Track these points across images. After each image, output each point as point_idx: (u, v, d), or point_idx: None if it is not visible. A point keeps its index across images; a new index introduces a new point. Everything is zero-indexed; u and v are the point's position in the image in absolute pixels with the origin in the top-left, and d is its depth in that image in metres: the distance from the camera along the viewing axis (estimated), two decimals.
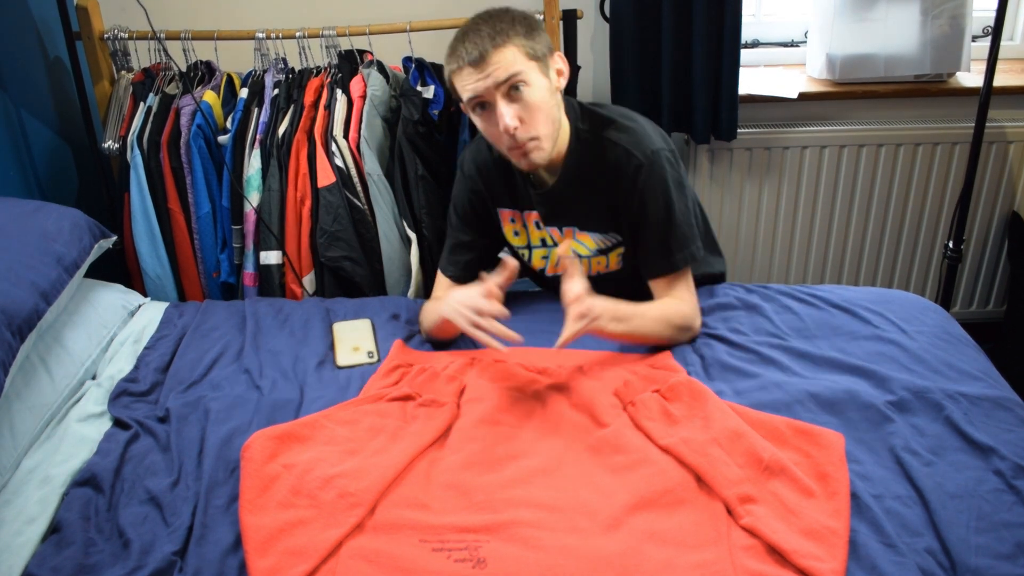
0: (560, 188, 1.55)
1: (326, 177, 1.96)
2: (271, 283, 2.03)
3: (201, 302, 1.79)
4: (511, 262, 1.44)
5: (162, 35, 2.05)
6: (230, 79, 2.12)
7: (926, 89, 2.26)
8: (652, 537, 1.10)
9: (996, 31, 1.94)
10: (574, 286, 1.38)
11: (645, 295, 1.62)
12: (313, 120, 2.00)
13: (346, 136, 1.97)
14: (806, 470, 1.20)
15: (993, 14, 1.94)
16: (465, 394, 1.41)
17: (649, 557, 1.07)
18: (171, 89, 2.08)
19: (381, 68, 2.03)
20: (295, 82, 2.05)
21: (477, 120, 1.46)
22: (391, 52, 2.08)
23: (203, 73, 2.12)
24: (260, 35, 2.05)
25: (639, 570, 1.06)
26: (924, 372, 1.41)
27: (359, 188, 1.99)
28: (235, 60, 2.16)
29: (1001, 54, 2.06)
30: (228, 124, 2.04)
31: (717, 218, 2.41)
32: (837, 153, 2.33)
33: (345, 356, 1.56)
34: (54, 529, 1.19)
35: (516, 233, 1.65)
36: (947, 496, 1.16)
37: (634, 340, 1.51)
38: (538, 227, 1.63)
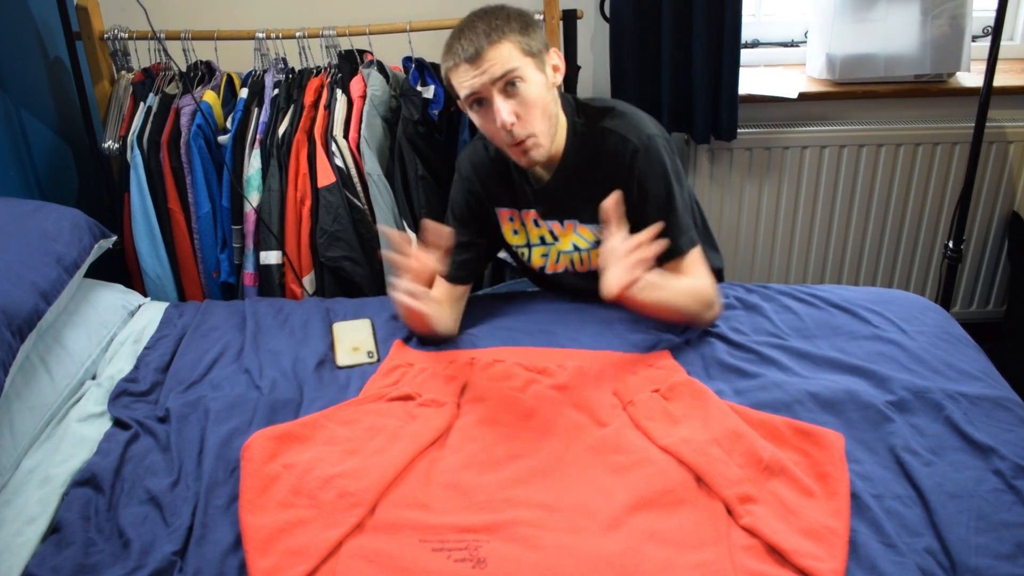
0: (558, 183, 1.55)
1: (326, 177, 1.96)
2: (271, 283, 2.03)
3: (201, 302, 1.79)
4: (440, 228, 1.42)
5: (162, 35, 2.06)
6: (230, 79, 2.12)
7: (926, 89, 2.26)
8: (652, 537, 1.11)
9: (996, 31, 1.94)
10: (623, 235, 1.34)
11: None
12: (313, 120, 2.00)
13: (346, 136, 1.97)
14: (806, 470, 1.20)
15: (993, 14, 1.94)
16: (465, 394, 1.41)
17: (649, 557, 1.07)
18: (171, 89, 2.08)
19: (381, 68, 2.03)
20: (295, 82, 2.05)
21: (475, 117, 1.46)
22: (391, 52, 2.08)
23: (203, 73, 2.12)
24: (260, 35, 2.05)
25: (639, 570, 1.06)
26: (924, 372, 1.41)
27: (359, 188, 1.99)
28: (235, 60, 2.16)
29: (1001, 54, 2.06)
30: (228, 124, 2.05)
31: (717, 218, 2.41)
32: (837, 153, 2.33)
33: (345, 356, 1.56)
34: (54, 529, 1.19)
35: (515, 232, 1.65)
36: (947, 496, 1.16)
37: (663, 311, 1.47)
38: (536, 225, 1.63)
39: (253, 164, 2.01)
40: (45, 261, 1.52)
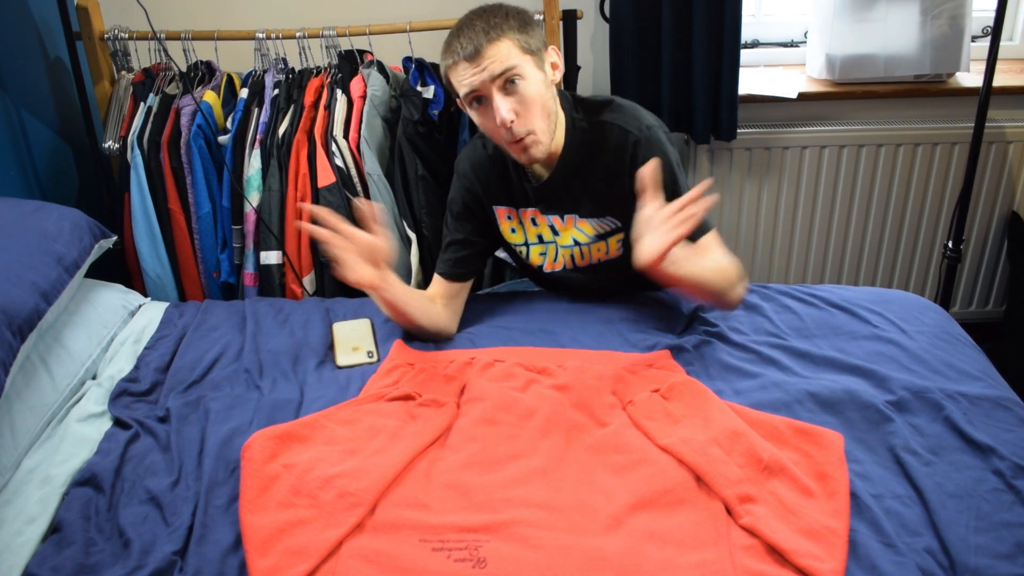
0: (558, 180, 1.55)
1: (326, 177, 1.96)
2: (271, 283, 2.03)
3: (201, 302, 1.79)
4: (371, 205, 1.44)
5: (162, 35, 2.06)
6: (230, 79, 2.12)
7: (926, 89, 2.27)
8: (652, 537, 1.11)
9: (995, 31, 1.94)
10: (659, 203, 1.32)
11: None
12: (313, 120, 2.00)
13: (346, 136, 1.97)
14: (806, 470, 1.20)
15: (992, 14, 1.95)
16: (465, 394, 1.41)
17: (649, 557, 1.07)
18: (171, 89, 2.08)
19: (381, 68, 2.03)
20: (295, 82, 2.05)
21: (474, 115, 1.47)
22: (391, 52, 2.09)
23: (203, 73, 2.13)
24: (260, 35, 2.05)
25: (639, 570, 1.06)
26: (924, 372, 1.42)
27: (359, 188, 1.99)
28: (235, 60, 2.16)
29: (1000, 54, 2.06)
30: (228, 124, 2.05)
31: (717, 218, 2.41)
32: (837, 153, 2.33)
33: (345, 356, 1.56)
34: (54, 529, 1.19)
35: (513, 230, 1.66)
36: (946, 496, 1.16)
37: (691, 287, 1.43)
38: (534, 223, 1.63)
39: (253, 164, 2.01)
40: (45, 261, 1.52)
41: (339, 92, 1.99)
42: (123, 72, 2.12)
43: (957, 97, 2.29)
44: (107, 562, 1.13)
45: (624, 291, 1.69)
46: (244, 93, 2.06)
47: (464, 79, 1.41)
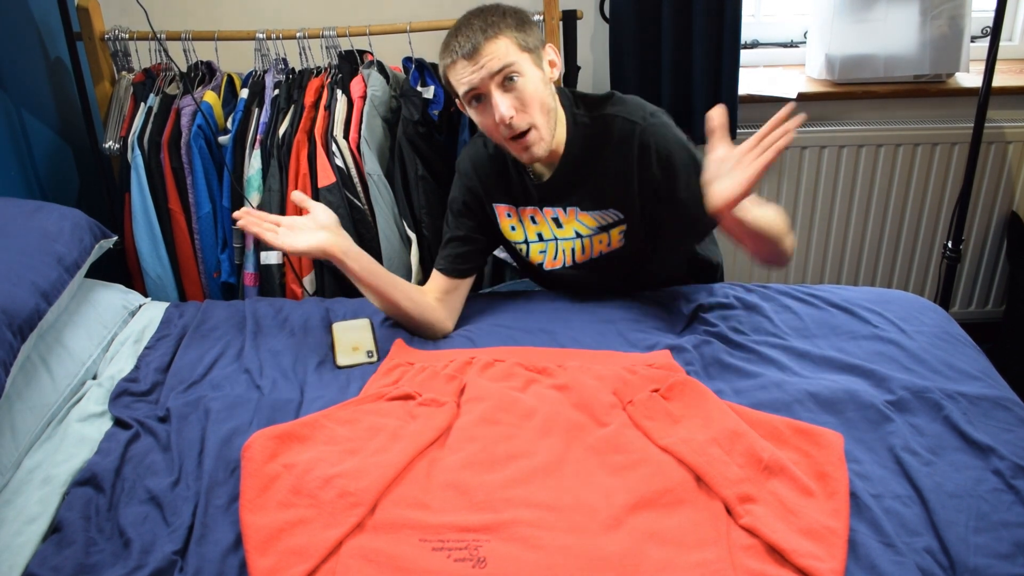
0: (561, 177, 1.56)
1: (326, 177, 1.97)
2: (271, 283, 2.04)
3: (201, 302, 1.79)
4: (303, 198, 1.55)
5: (162, 36, 2.06)
6: (230, 79, 2.12)
7: (925, 89, 2.27)
8: (652, 537, 1.11)
9: (995, 32, 1.94)
10: (728, 146, 1.31)
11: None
12: (313, 120, 2.00)
13: (346, 136, 1.97)
14: (805, 470, 1.20)
15: (992, 15, 1.95)
16: (465, 393, 1.41)
17: (649, 557, 1.07)
18: (171, 89, 2.08)
19: (381, 68, 2.03)
20: (295, 82, 2.05)
21: (473, 114, 1.47)
22: (391, 52, 2.09)
23: (203, 73, 2.13)
24: (260, 35, 2.05)
25: (639, 570, 1.06)
26: (923, 372, 1.42)
27: (359, 188, 1.99)
28: (235, 60, 2.16)
29: (1000, 54, 2.06)
30: (228, 124, 2.05)
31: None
32: (837, 153, 2.33)
33: (345, 356, 1.56)
34: (55, 529, 1.19)
35: (513, 228, 1.66)
36: (946, 496, 1.16)
37: (757, 233, 1.39)
38: (533, 221, 1.63)
39: (253, 164, 2.01)
40: (46, 261, 1.52)
41: (339, 92, 2.00)
42: (123, 72, 2.13)
43: (957, 97, 2.29)
44: (107, 562, 1.13)
45: (624, 285, 1.69)
46: (244, 93, 2.06)
47: (463, 77, 1.42)
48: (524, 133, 1.44)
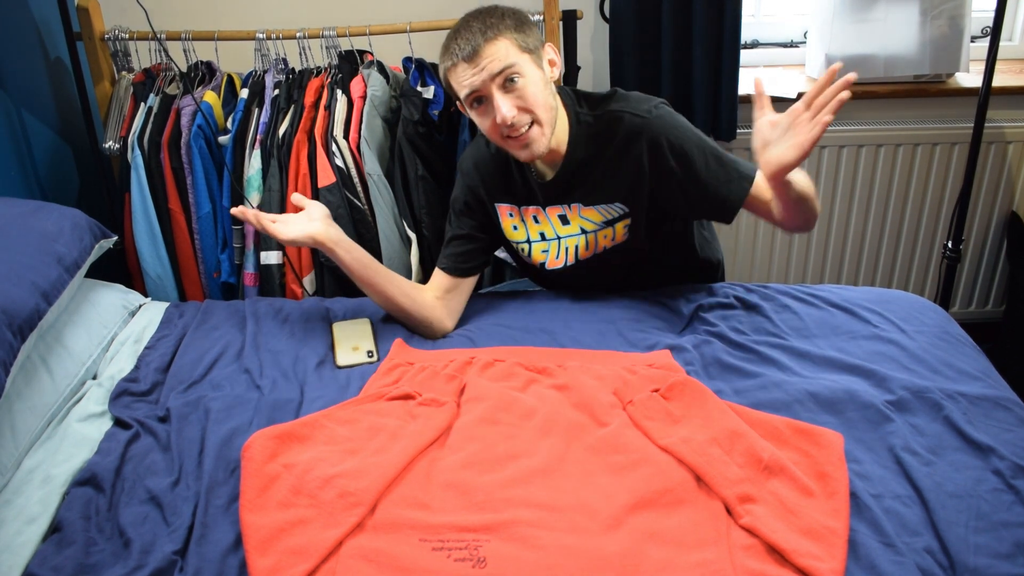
0: (565, 176, 1.56)
1: (326, 177, 1.97)
2: (271, 283, 2.04)
3: (201, 302, 1.79)
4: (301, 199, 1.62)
5: (162, 36, 2.06)
6: (230, 79, 2.12)
7: (925, 89, 2.27)
8: (652, 537, 1.11)
9: (995, 32, 1.94)
10: (770, 113, 1.32)
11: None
12: (313, 120, 2.00)
13: (346, 136, 1.97)
14: (805, 470, 1.20)
15: (992, 15, 1.95)
16: (465, 393, 1.41)
17: (649, 557, 1.07)
18: (171, 89, 2.08)
19: (381, 68, 2.03)
20: (295, 82, 2.05)
21: (475, 116, 1.47)
22: (391, 52, 2.09)
23: (203, 73, 2.13)
24: (260, 35, 2.05)
25: (639, 570, 1.06)
26: (923, 372, 1.42)
27: (359, 188, 1.99)
28: (235, 60, 2.16)
29: (1000, 54, 2.06)
30: (228, 124, 2.05)
31: None
32: (836, 153, 2.33)
33: (345, 356, 1.56)
34: (55, 529, 1.19)
35: (515, 227, 1.66)
36: (946, 496, 1.16)
37: (799, 199, 1.40)
38: (535, 221, 1.63)
39: (253, 164, 2.01)
40: (46, 261, 1.52)
41: (339, 92, 2.00)
42: (123, 72, 2.13)
43: (957, 97, 2.29)
44: (107, 562, 1.13)
45: (625, 280, 1.69)
46: (244, 93, 2.06)
47: (464, 80, 1.42)
48: (527, 128, 1.44)
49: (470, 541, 1.10)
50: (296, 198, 1.62)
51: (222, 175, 2.05)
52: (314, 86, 2.03)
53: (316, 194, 1.97)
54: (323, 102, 2.00)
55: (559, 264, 1.66)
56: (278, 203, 2.00)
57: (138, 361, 1.57)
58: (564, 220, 1.61)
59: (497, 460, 1.24)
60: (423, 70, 2.03)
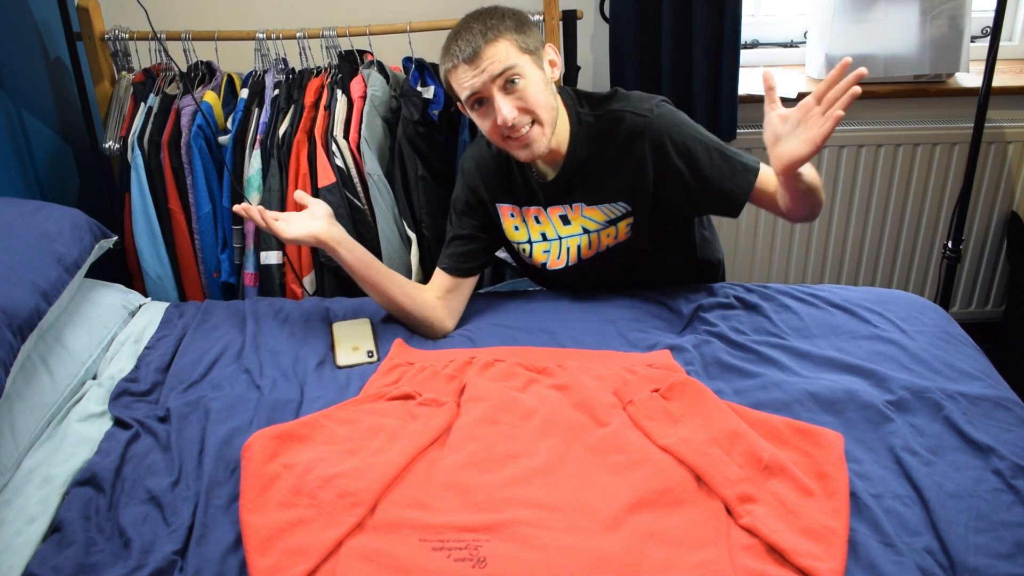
0: (567, 176, 1.56)
1: (326, 177, 1.97)
2: (271, 283, 2.04)
3: (201, 302, 1.79)
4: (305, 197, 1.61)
5: (162, 35, 2.06)
6: (230, 79, 2.12)
7: (925, 89, 2.27)
8: (652, 537, 1.11)
9: (995, 32, 1.94)
10: (780, 108, 1.33)
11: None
12: (313, 120, 2.00)
13: (346, 136, 1.97)
14: (805, 470, 1.20)
15: (992, 15, 1.95)
16: (465, 393, 1.41)
17: (649, 557, 1.07)
18: (171, 89, 2.08)
19: (381, 68, 2.03)
20: (295, 82, 2.05)
21: (476, 117, 1.48)
22: (391, 52, 2.09)
23: (203, 73, 2.13)
24: (260, 35, 2.05)
25: (639, 570, 1.06)
26: (923, 372, 1.42)
27: (359, 188, 1.99)
28: (235, 60, 2.16)
29: (1000, 54, 2.06)
30: (228, 124, 2.05)
31: (717, 218, 2.41)
32: (836, 153, 2.33)
33: (345, 356, 1.56)
34: (55, 528, 1.19)
35: (516, 228, 1.66)
36: (946, 496, 1.16)
37: (808, 191, 1.41)
38: (537, 221, 1.63)
39: (253, 164, 2.01)
40: (46, 261, 1.52)
41: (339, 92, 2.00)
42: (123, 72, 2.13)
43: (956, 97, 2.29)
44: (107, 562, 1.13)
45: (627, 278, 1.69)
46: (244, 93, 2.06)
47: (465, 82, 1.42)
48: (528, 129, 1.44)
49: (470, 541, 1.10)
50: (299, 195, 1.61)
51: (222, 175, 2.05)
52: (314, 86, 2.03)
53: (316, 194, 1.97)
54: (323, 102, 2.00)
55: (560, 264, 1.66)
56: (278, 203, 2.00)
57: (138, 361, 1.57)
58: (565, 220, 1.61)
59: (497, 460, 1.24)
60: (423, 70, 2.03)
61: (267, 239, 2.01)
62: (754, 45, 2.43)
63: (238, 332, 1.65)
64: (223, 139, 2.04)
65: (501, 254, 1.91)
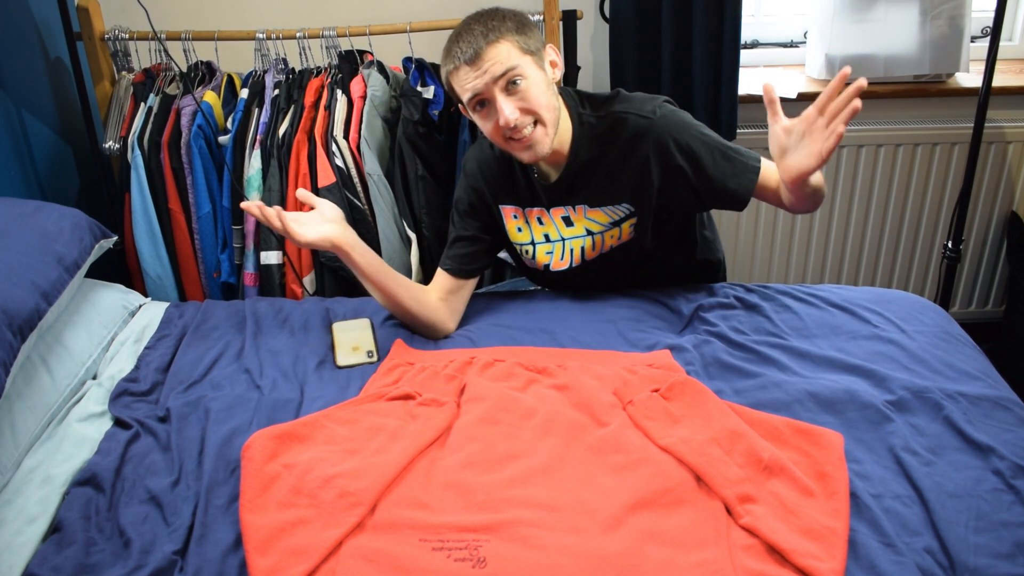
0: (569, 177, 1.56)
1: (326, 177, 1.97)
2: (271, 283, 2.04)
3: (201, 302, 1.79)
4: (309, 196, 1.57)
5: (163, 35, 2.06)
6: (230, 79, 2.12)
7: (925, 89, 2.27)
8: (652, 537, 1.11)
9: (995, 32, 1.94)
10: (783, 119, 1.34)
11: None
12: (313, 120, 2.00)
13: (346, 136, 1.97)
14: (805, 470, 1.20)
15: (992, 15, 1.95)
16: (465, 393, 1.41)
17: (649, 557, 1.07)
18: (171, 89, 2.08)
19: (381, 68, 2.03)
20: (295, 82, 2.05)
21: (478, 119, 1.47)
22: (391, 52, 2.09)
23: (203, 73, 2.13)
24: (260, 35, 2.06)
25: (639, 570, 1.06)
26: (923, 372, 1.42)
27: (359, 188, 1.99)
28: (235, 60, 2.16)
29: (1000, 54, 2.06)
30: (228, 124, 2.05)
31: (717, 218, 2.40)
32: (836, 153, 2.33)
33: (345, 356, 1.56)
34: (55, 528, 1.19)
35: (519, 229, 1.66)
36: (946, 496, 1.16)
37: (814, 191, 1.43)
38: (540, 222, 1.63)
39: (253, 164, 2.01)
40: (46, 261, 1.52)
41: (339, 92, 2.00)
42: (123, 72, 2.13)
43: (956, 97, 2.29)
44: (107, 562, 1.13)
45: (630, 278, 1.69)
46: (244, 93, 2.06)
47: (466, 83, 1.42)
48: (531, 130, 1.44)
49: (470, 541, 1.10)
50: (301, 194, 1.57)
51: (222, 175, 2.05)
52: (314, 86, 2.03)
53: (316, 194, 1.97)
54: (323, 102, 2.00)
55: (564, 266, 1.66)
56: (278, 203, 2.00)
57: (138, 361, 1.57)
58: (568, 222, 1.61)
59: (497, 460, 1.24)
60: (423, 70, 2.03)
61: (267, 239, 2.01)
62: (754, 45, 2.43)
63: (238, 332, 1.65)
64: (223, 139, 2.04)
65: (501, 254, 1.91)
